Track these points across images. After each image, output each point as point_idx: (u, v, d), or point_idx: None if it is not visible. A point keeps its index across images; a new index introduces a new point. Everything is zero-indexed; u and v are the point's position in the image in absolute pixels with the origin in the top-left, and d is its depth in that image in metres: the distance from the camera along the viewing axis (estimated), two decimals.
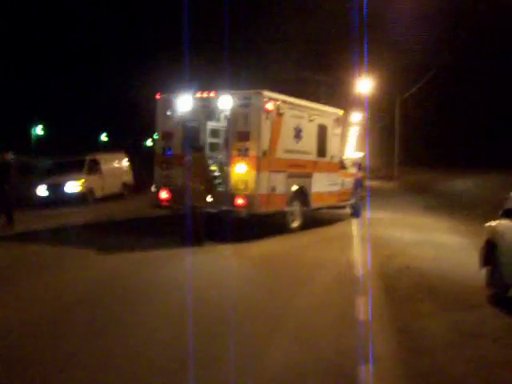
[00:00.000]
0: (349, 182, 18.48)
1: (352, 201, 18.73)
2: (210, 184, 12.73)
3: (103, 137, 56.73)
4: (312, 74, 43.25)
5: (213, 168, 13.94)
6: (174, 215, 14.32)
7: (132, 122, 37.69)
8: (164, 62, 37.64)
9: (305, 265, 10.90)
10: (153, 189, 14.64)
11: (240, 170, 13.29)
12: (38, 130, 49.78)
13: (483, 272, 8.75)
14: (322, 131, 16.17)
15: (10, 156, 15.81)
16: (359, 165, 19.90)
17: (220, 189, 13.65)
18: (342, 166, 17.91)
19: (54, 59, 45.18)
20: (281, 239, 13.88)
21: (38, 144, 48.13)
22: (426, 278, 9.82)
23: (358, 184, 19.19)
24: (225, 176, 13.65)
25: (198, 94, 14.07)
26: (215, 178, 13.86)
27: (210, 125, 15.12)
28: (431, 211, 21.94)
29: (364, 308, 7.79)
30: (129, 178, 27.21)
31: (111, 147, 42.35)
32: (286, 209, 14.49)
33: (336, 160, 17.10)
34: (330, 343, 6.40)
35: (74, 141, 39.91)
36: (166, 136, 14.52)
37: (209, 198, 13.47)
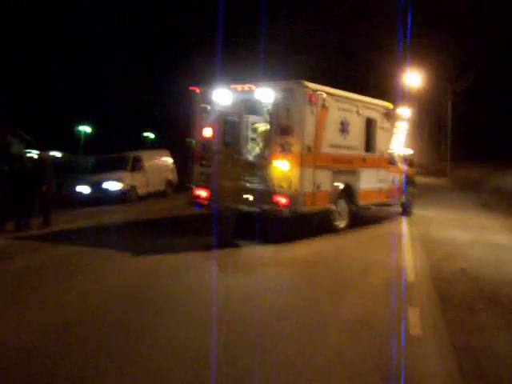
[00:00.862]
0: (398, 178, 17.53)
1: (402, 198, 17.78)
2: (243, 182, 12.09)
3: (150, 134, 56.58)
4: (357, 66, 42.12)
5: (251, 165, 13.25)
6: (213, 214, 13.65)
7: (176, 118, 37.33)
8: (197, 55, 36.90)
9: (350, 268, 10.11)
10: (191, 186, 14.06)
11: (282, 167, 12.56)
12: (86, 128, 50.06)
13: None
14: (370, 125, 15.28)
15: (45, 155, 15.35)
16: (410, 160, 18.87)
17: (261, 187, 12.94)
18: (391, 161, 16.98)
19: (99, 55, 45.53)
20: (325, 239, 13.11)
21: (86, 142, 48.42)
22: (485, 283, 8.94)
23: (409, 181, 18.20)
24: (266, 173, 12.91)
25: (237, 87, 13.39)
26: (253, 175, 13.17)
27: (251, 119, 14.44)
28: (485, 209, 20.85)
29: (415, 320, 6.97)
30: (173, 175, 26.61)
31: (157, 144, 42.24)
32: (332, 207, 13.69)
33: (385, 155, 16.18)
34: (376, 364, 5.61)
35: (122, 138, 39.86)
36: (204, 131, 13.90)
37: (248, 196, 12.95)
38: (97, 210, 19.72)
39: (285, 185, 12.51)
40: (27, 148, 32.25)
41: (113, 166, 23.02)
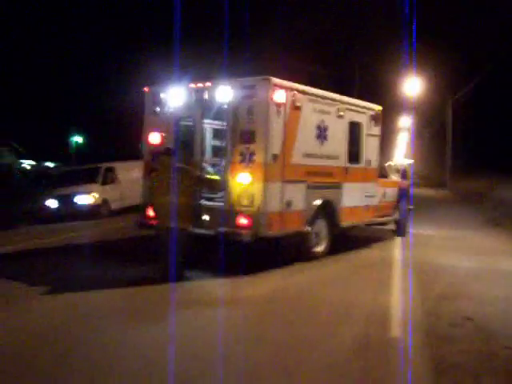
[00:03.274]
0: (391, 192, 15.13)
1: (395, 215, 15.37)
2: (194, 199, 9.77)
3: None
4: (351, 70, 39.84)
5: (205, 177, 10.88)
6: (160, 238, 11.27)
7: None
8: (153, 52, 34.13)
9: (319, 315, 7.60)
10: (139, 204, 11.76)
11: (243, 181, 10.20)
12: (78, 139, 48.40)
13: None
14: (355, 130, 12.90)
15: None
16: (404, 171, 16.43)
17: (220, 205, 10.58)
18: (381, 173, 14.59)
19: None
20: (297, 270, 10.69)
21: (79, 152, 46.63)
22: (498, 343, 6.49)
23: (403, 195, 15.79)
24: (225, 188, 10.54)
25: (192, 85, 11.06)
26: (212, 190, 10.83)
27: (212, 124, 12.12)
28: (491, 226, 18.45)
29: None
30: None
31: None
32: (307, 229, 11.29)
33: (373, 166, 13.78)
34: None
35: (114, 149, 38.03)
36: (156, 138, 11.58)
37: (205, 217, 10.63)
38: (57, 226, 17.78)
39: (245, 202, 10.14)
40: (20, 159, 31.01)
41: (84, 179, 21.25)
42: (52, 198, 20.38)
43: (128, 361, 5.81)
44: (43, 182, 23.66)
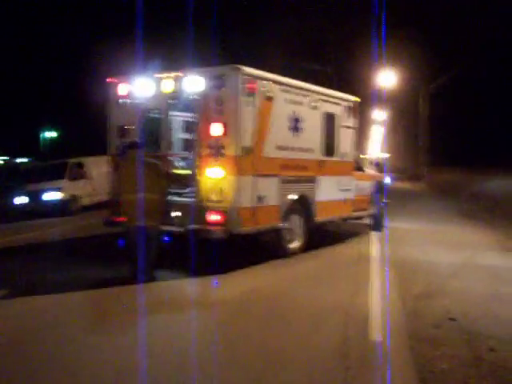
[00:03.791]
0: (367, 186, 14.71)
1: (371, 210, 14.96)
2: (162, 195, 9.23)
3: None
4: (320, 64, 39.35)
5: (172, 172, 10.36)
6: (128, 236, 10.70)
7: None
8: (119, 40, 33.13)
9: (292, 319, 7.08)
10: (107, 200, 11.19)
11: (213, 175, 9.68)
12: (52, 134, 47.40)
13: None
14: (330, 122, 12.45)
15: None
16: (379, 164, 16.03)
17: (189, 201, 10.05)
18: (356, 166, 14.17)
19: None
20: (270, 268, 10.21)
21: (52, 147, 45.64)
22: (484, 342, 6.09)
23: (379, 188, 15.41)
24: (194, 183, 10.01)
25: (159, 75, 10.49)
26: (182, 186, 10.30)
27: (180, 115, 11.58)
28: (467, 219, 18.21)
29: None
30: None
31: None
32: (281, 225, 10.83)
33: (349, 159, 13.35)
34: None
35: (88, 142, 37.26)
36: (121, 131, 11.01)
37: (176, 214, 10.11)
38: (25, 224, 17.36)
39: (215, 198, 9.63)
40: None
41: (52, 175, 20.75)
42: (21, 194, 19.93)
43: (97, 368, 5.31)
44: (13, 179, 23.08)
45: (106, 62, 29.18)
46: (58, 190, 19.99)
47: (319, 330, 6.63)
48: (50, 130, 47.54)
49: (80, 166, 21.66)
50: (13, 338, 6.26)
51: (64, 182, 20.41)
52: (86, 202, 21.10)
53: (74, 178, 20.91)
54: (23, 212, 19.21)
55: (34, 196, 19.73)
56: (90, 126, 43.09)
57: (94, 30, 41.44)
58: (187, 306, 7.67)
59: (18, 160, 44.64)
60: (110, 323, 6.89)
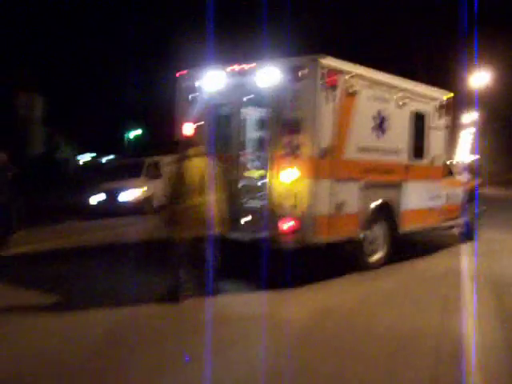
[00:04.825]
0: (457, 193, 13.36)
1: (462, 219, 13.56)
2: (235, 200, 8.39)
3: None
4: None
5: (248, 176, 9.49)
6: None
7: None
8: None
9: (369, 349, 6.00)
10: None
11: (286, 178, 8.74)
12: (132, 132, 48.11)
13: None
14: (419, 122, 11.24)
15: (2, 157, 11.79)
16: (470, 169, 14.57)
17: (260, 206, 9.15)
18: (447, 171, 12.86)
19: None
20: (349, 283, 9.16)
21: (135, 144, 46.23)
22: None
23: (471, 195, 14.00)
24: (266, 187, 9.10)
25: (231, 68, 9.64)
26: (253, 190, 9.42)
27: (253, 112, 10.68)
28: None
29: None
30: None
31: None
32: (362, 235, 9.75)
33: (439, 163, 12.09)
34: None
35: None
36: (185, 128, 10.23)
37: (246, 219, 9.24)
38: (100, 223, 17.32)
39: (289, 203, 8.68)
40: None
41: (130, 173, 20.61)
42: (98, 192, 19.96)
43: None
44: (94, 177, 23.30)
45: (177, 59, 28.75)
46: (134, 189, 19.78)
47: (402, 360, 5.57)
48: (135, 128, 48.18)
49: (156, 165, 21.16)
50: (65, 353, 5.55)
51: (140, 181, 20.16)
52: (159, 203, 20.68)
53: (150, 177, 20.48)
54: (99, 210, 19.16)
55: (110, 194, 19.63)
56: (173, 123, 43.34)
57: (163, 25, 41.21)
58: (257, 322, 6.76)
59: (104, 158, 45.39)
60: (174, 345, 6.08)
